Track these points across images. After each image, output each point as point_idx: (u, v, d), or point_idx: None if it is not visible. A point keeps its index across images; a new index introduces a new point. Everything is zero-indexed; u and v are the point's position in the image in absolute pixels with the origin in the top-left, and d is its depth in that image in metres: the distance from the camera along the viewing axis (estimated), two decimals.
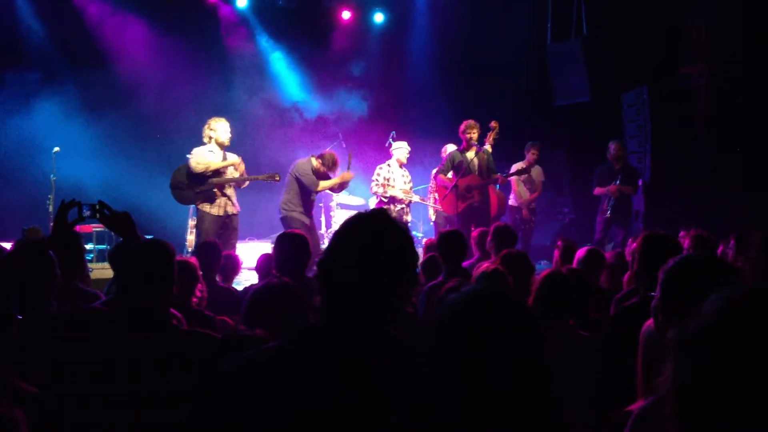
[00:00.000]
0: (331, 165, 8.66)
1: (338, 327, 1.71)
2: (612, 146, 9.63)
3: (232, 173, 8.15)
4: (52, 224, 8.76)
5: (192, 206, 9.05)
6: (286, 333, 1.77)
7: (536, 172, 10.17)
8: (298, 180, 8.58)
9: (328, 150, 9.05)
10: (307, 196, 8.65)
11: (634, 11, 10.70)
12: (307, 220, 8.66)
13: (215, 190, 7.99)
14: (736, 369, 0.94)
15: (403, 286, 1.73)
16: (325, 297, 1.76)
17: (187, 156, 8.05)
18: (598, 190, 9.73)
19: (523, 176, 9.86)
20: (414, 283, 1.80)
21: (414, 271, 1.81)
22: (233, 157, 8.14)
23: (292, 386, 1.66)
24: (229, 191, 8.17)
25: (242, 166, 8.21)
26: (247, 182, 8.30)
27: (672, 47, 10.95)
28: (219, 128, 8.04)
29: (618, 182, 9.46)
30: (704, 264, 2.07)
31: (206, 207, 7.99)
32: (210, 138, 8.05)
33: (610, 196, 9.46)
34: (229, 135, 8.12)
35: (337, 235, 1.80)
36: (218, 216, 8.01)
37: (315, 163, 8.66)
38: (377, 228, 1.77)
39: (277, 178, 8.27)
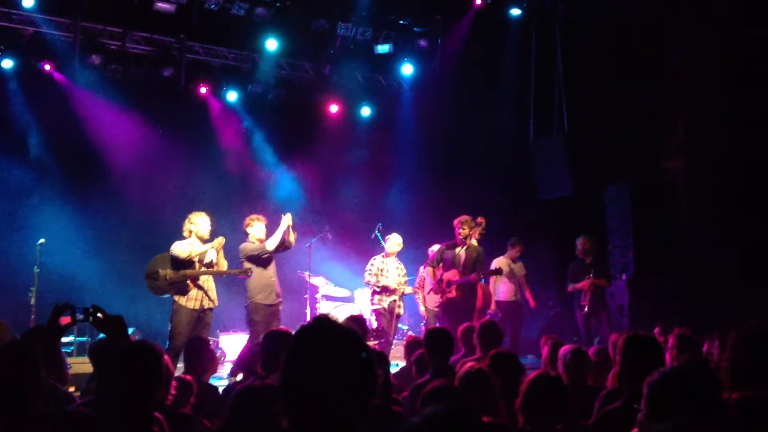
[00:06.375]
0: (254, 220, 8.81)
1: None
2: (579, 242, 9.84)
3: (212, 259, 8.19)
4: (33, 317, 8.73)
5: None
6: None
7: (517, 266, 10.33)
8: (249, 259, 8.59)
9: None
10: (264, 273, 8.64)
11: (615, 107, 10.99)
12: (272, 300, 8.65)
13: (188, 282, 7.99)
14: None
15: (360, 395, 1.74)
16: (290, 417, 1.79)
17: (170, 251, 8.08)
18: (571, 287, 9.85)
19: (505, 272, 9.99)
20: (370, 391, 1.80)
21: (367, 375, 1.81)
22: (217, 239, 8.18)
23: None
24: (207, 284, 8.16)
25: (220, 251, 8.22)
26: (223, 274, 8.33)
27: (652, 142, 11.20)
28: (200, 222, 8.14)
29: (591, 276, 9.55)
30: (689, 378, 2.08)
31: (182, 300, 7.97)
32: (190, 232, 8.14)
33: (585, 292, 9.53)
34: (209, 229, 8.20)
35: (287, 356, 1.83)
36: (193, 309, 7.98)
37: (249, 233, 8.78)
38: (319, 345, 1.80)
39: (250, 274, 8.37)
